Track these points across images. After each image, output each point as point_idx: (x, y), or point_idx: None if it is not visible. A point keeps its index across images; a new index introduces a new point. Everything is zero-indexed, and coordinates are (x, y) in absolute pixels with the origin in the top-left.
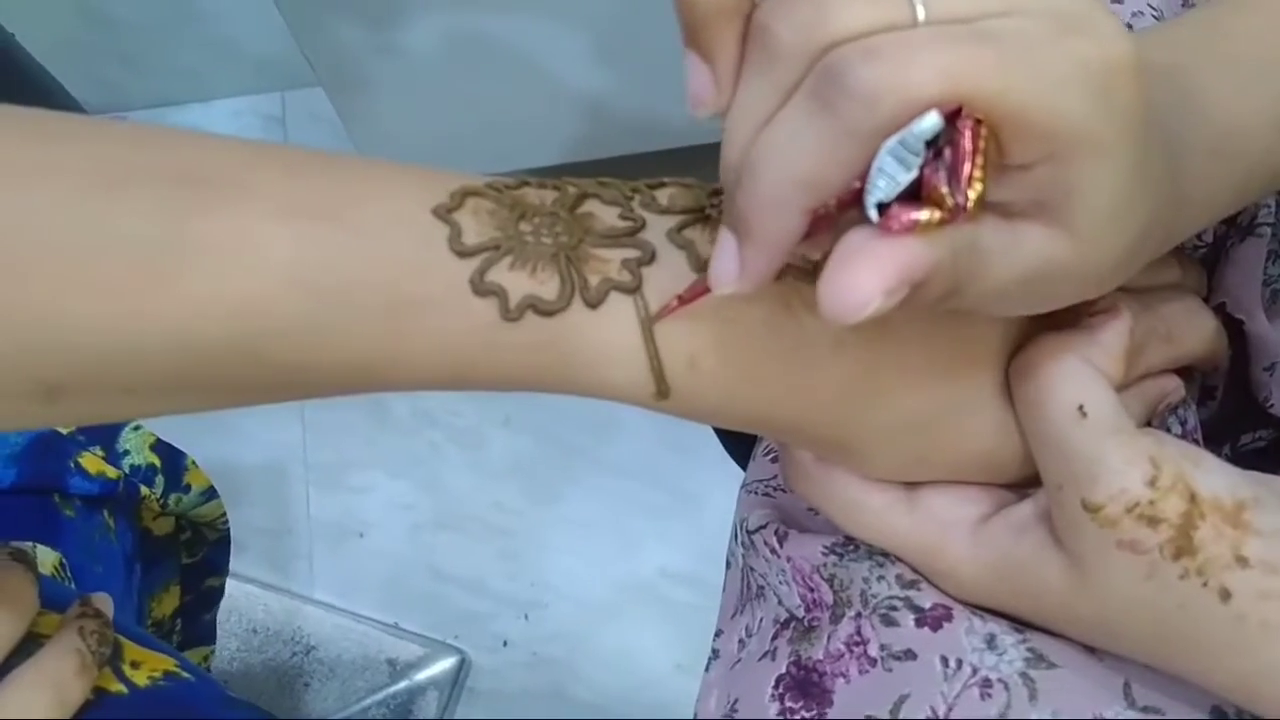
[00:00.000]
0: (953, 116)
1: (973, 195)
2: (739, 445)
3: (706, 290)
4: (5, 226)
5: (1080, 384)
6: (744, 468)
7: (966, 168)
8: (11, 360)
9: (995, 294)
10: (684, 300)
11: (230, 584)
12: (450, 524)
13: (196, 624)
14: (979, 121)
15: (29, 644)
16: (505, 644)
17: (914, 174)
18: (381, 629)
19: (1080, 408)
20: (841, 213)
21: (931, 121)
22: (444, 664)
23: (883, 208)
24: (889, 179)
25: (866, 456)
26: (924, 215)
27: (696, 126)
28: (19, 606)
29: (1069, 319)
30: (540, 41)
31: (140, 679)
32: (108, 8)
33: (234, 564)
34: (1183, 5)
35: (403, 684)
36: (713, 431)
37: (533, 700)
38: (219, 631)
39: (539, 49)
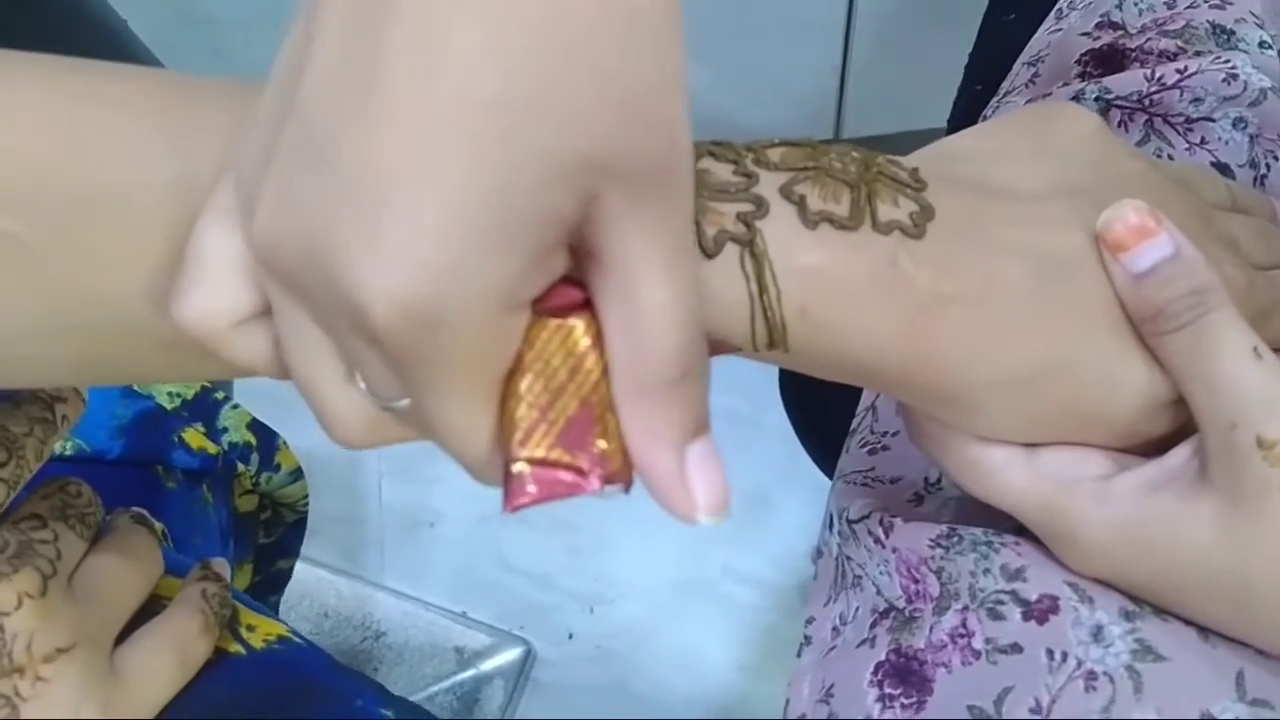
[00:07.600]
0: None
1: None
2: (819, 444)
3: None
4: None
5: (1248, 330)
6: (822, 467)
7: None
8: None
9: None
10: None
11: (303, 568)
12: (519, 516)
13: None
14: None
15: (150, 605)
16: (570, 636)
17: None
18: (450, 617)
19: (1254, 349)
20: None
21: None
22: (510, 654)
23: None
24: None
25: (978, 413)
26: None
27: (776, 126)
28: (147, 566)
29: None
30: None
31: (256, 642)
32: (203, 5)
33: (308, 549)
34: None
35: (469, 672)
36: (791, 428)
37: (596, 693)
38: (291, 615)
39: None
